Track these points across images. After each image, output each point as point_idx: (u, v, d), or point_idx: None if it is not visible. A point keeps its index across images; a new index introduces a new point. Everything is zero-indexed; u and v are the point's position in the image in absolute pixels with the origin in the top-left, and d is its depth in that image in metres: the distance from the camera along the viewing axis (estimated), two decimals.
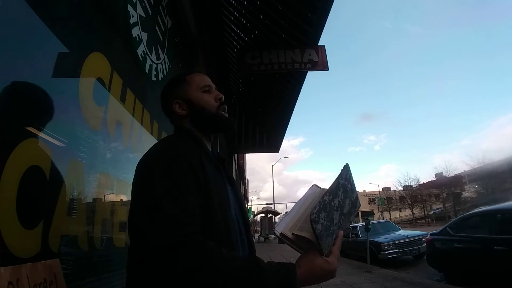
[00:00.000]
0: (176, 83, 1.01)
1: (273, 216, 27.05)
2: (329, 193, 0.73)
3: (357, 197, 0.85)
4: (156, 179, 0.73)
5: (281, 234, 0.73)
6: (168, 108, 1.00)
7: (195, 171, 0.76)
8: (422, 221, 39.12)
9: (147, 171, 0.78)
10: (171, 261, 0.62)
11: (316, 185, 0.85)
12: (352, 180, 0.83)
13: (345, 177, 0.79)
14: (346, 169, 0.81)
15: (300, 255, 0.75)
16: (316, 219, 0.67)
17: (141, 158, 0.84)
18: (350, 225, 12.22)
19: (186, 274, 0.61)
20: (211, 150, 0.98)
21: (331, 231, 0.71)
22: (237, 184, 1.03)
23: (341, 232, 0.76)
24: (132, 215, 0.74)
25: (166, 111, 1.03)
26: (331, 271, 0.71)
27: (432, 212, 39.14)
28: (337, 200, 0.75)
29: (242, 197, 0.99)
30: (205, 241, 0.66)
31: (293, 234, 0.72)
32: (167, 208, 0.67)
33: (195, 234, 0.66)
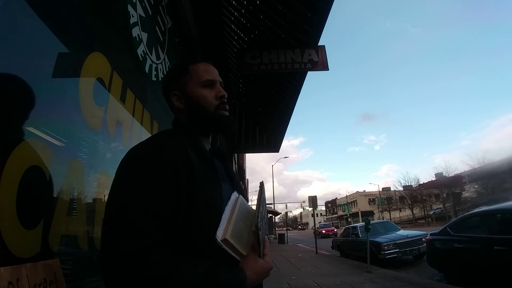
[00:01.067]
0: (177, 73, 0.94)
1: (273, 216, 27.03)
2: (261, 204, 0.82)
3: (266, 211, 0.97)
4: (128, 180, 0.71)
5: (225, 240, 0.73)
6: (167, 98, 0.95)
7: (177, 170, 0.72)
8: (422, 221, 39.09)
9: (123, 169, 0.75)
10: (122, 275, 0.60)
11: (236, 191, 0.91)
12: (264, 199, 0.91)
13: (263, 192, 0.88)
14: (262, 187, 0.89)
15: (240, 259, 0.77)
16: (260, 227, 0.78)
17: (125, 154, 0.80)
18: (350, 225, 12.25)
19: (144, 283, 0.60)
20: (210, 146, 0.94)
21: (261, 236, 0.80)
22: (238, 182, 1.00)
23: (266, 237, 0.86)
24: (104, 215, 0.70)
25: (166, 101, 0.97)
26: (269, 269, 0.81)
27: (432, 212, 39.09)
28: (262, 209, 0.85)
29: (242, 195, 0.96)
30: (162, 253, 0.64)
31: (227, 240, 0.75)
32: (129, 215, 0.64)
33: (154, 246, 0.63)
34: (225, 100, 0.90)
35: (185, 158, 0.75)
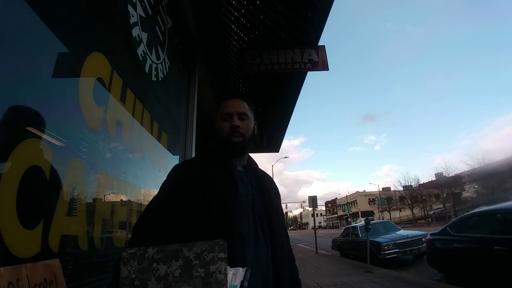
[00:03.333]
0: (217, 107, 1.16)
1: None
2: (158, 250, 0.63)
3: None
4: (162, 185, 1.03)
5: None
6: None
7: (190, 181, 0.97)
8: (422, 221, 39.07)
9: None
10: (132, 238, 0.90)
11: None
12: (216, 268, 0.61)
13: (198, 253, 0.62)
14: (208, 245, 0.63)
15: None
16: (126, 259, 0.62)
17: None
18: (350, 225, 12.25)
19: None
20: (246, 162, 1.13)
21: None
22: (268, 189, 1.12)
23: None
24: None
25: None
26: None
27: (432, 212, 39.06)
28: (165, 269, 0.61)
29: (272, 203, 1.08)
30: (148, 236, 0.85)
31: None
32: (148, 210, 0.96)
33: (150, 228, 0.88)
34: (237, 128, 1.07)
35: (202, 170, 1.00)
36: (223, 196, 0.95)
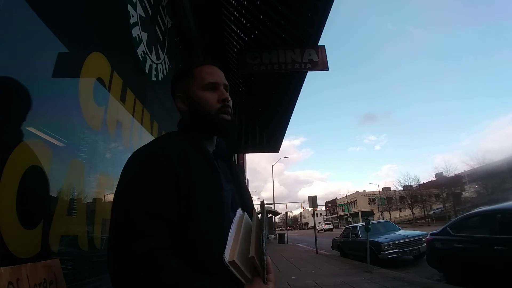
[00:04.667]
0: (182, 75, 0.93)
1: (273, 216, 27.02)
2: (264, 227, 0.79)
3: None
4: (130, 183, 0.73)
5: (232, 262, 0.71)
6: (173, 100, 0.95)
7: (175, 172, 0.73)
8: (422, 221, 39.08)
9: (125, 173, 0.77)
10: (130, 276, 0.62)
11: (239, 210, 0.86)
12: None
13: (266, 214, 0.86)
14: (265, 206, 0.87)
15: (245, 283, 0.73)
16: (266, 252, 0.75)
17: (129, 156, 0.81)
18: (350, 225, 12.25)
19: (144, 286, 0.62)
20: (215, 147, 0.93)
21: (264, 259, 0.75)
22: (243, 183, 0.98)
23: (269, 259, 0.77)
24: (110, 219, 0.72)
25: (174, 102, 0.97)
26: None
27: (432, 212, 39.08)
28: (265, 232, 0.81)
29: (247, 196, 0.95)
30: (164, 259, 0.65)
31: (235, 262, 0.72)
32: (134, 219, 0.66)
33: (160, 249, 0.65)
34: (228, 103, 0.88)
35: (183, 160, 0.76)
36: (209, 193, 0.76)
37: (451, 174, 39.09)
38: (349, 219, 57.31)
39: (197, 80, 0.89)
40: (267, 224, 0.85)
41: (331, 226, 50.15)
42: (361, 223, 9.96)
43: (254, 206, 0.97)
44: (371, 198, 58.86)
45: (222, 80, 0.91)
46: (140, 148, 0.82)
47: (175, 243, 0.69)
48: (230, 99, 0.90)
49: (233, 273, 0.72)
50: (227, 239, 0.75)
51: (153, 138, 2.12)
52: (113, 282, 0.65)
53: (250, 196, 1.02)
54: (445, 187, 38.55)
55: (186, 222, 0.71)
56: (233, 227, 0.78)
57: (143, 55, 1.94)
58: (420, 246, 8.15)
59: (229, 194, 0.84)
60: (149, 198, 0.70)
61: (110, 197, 1.50)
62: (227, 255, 0.71)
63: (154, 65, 2.15)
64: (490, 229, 4.86)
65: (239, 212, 0.84)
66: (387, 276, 6.38)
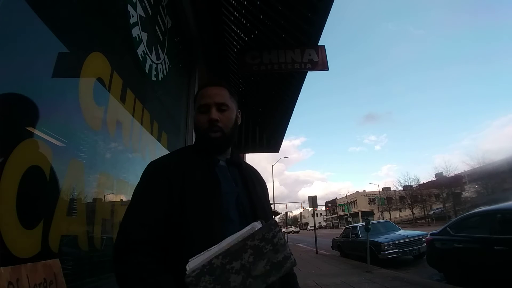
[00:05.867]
0: (194, 97, 1.06)
1: (273, 216, 26.95)
2: (224, 255, 0.68)
3: (285, 257, 0.74)
4: (136, 188, 0.90)
5: (187, 276, 0.66)
6: None
7: (170, 178, 0.87)
8: (422, 221, 39.06)
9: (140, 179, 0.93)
10: (117, 262, 0.77)
11: (257, 222, 0.78)
12: (277, 239, 0.74)
13: (260, 238, 0.72)
14: (266, 228, 0.74)
15: None
16: (194, 282, 0.64)
17: None
18: (350, 225, 12.24)
19: (121, 275, 0.76)
20: (229, 156, 1.03)
21: None
22: (254, 186, 1.02)
23: None
24: None
25: None
26: None
27: (432, 212, 39.05)
28: (239, 263, 0.69)
29: (258, 199, 0.99)
30: (143, 255, 0.77)
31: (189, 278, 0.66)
32: (125, 223, 0.82)
33: (140, 244, 0.78)
34: (216, 123, 0.96)
35: (179, 168, 0.90)
36: (204, 196, 0.86)
37: (451, 174, 39.09)
38: (349, 219, 57.30)
39: (196, 104, 1.02)
40: (255, 252, 0.71)
41: (298, 229, 58.67)
42: (361, 223, 9.96)
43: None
44: (371, 198, 58.85)
45: (213, 100, 0.98)
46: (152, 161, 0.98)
47: (163, 235, 0.81)
48: (218, 118, 0.97)
49: None
50: (217, 237, 0.76)
51: (153, 138, 2.13)
52: (113, 261, 0.79)
53: (264, 198, 1.08)
54: (445, 187, 38.54)
55: (179, 219, 0.82)
56: (222, 255, 0.70)
57: (143, 55, 1.94)
58: (420, 246, 8.14)
59: (232, 197, 0.92)
60: (139, 201, 0.85)
61: (110, 197, 1.50)
62: (189, 265, 0.68)
63: (154, 65, 2.15)
64: (490, 229, 4.86)
65: (253, 225, 0.78)
66: (387, 276, 6.38)
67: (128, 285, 0.74)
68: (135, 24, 1.84)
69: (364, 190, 63.85)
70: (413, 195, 41.79)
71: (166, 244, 0.81)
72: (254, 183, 1.04)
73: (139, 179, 0.91)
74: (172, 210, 0.83)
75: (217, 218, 0.83)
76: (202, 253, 0.71)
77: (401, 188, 45.16)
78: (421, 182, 44.25)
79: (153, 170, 0.91)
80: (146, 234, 0.79)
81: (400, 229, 10.29)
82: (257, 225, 0.76)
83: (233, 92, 1.05)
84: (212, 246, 0.73)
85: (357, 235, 10.05)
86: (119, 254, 0.78)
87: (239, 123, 1.08)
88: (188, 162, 0.93)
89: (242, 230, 0.76)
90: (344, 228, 13.05)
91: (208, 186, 0.88)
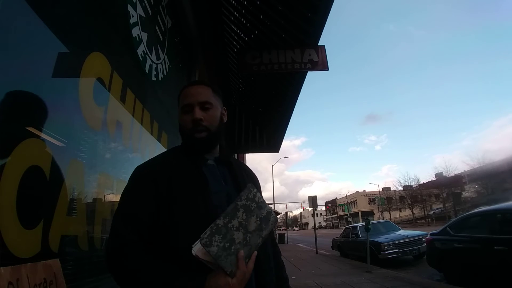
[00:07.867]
0: (178, 98, 1.04)
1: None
2: (223, 216, 0.78)
3: (268, 212, 0.88)
4: (123, 192, 0.91)
5: (196, 255, 0.73)
6: None
7: (155, 180, 0.87)
8: (422, 221, 39.06)
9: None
10: (111, 261, 0.79)
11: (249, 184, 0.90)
12: (258, 198, 0.87)
13: (245, 198, 0.84)
14: (247, 190, 0.86)
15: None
16: (208, 243, 0.72)
17: None
18: (350, 225, 12.24)
19: (117, 272, 0.79)
20: (218, 154, 1.02)
21: (232, 250, 0.75)
22: (245, 184, 0.98)
23: (241, 253, 0.76)
24: None
25: None
26: None
27: (432, 212, 39.05)
28: (237, 220, 0.79)
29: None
30: (131, 251, 0.79)
31: (198, 256, 0.73)
32: (115, 222, 0.85)
33: (126, 245, 0.79)
34: (200, 122, 0.95)
35: (166, 169, 0.90)
36: (191, 196, 0.86)
37: (451, 174, 39.08)
38: (349, 219, 57.28)
39: (180, 103, 1.01)
40: (245, 210, 0.82)
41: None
42: (361, 223, 9.96)
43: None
44: (371, 198, 58.86)
45: (196, 99, 0.97)
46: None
47: (151, 234, 0.82)
48: (202, 117, 0.95)
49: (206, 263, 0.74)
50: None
51: (153, 138, 2.13)
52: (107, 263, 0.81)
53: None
54: (445, 187, 38.52)
55: (167, 221, 0.82)
56: (222, 216, 0.78)
57: (143, 55, 1.94)
58: (420, 246, 8.15)
59: (222, 195, 0.92)
60: (126, 204, 0.87)
61: (110, 197, 1.50)
62: (195, 248, 0.73)
63: (154, 65, 2.15)
64: (490, 229, 4.86)
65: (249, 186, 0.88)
66: (387, 276, 6.39)
67: (132, 278, 0.76)
68: (135, 24, 1.84)
69: (364, 190, 63.88)
70: (413, 195, 41.78)
71: (155, 245, 0.83)
72: (245, 180, 1.02)
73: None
74: (160, 212, 0.83)
75: (205, 218, 0.81)
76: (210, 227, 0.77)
77: (401, 188, 45.14)
78: (421, 182, 44.28)
79: (139, 175, 0.91)
80: (136, 235, 0.81)
81: (400, 229, 10.29)
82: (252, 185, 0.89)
83: (216, 89, 1.04)
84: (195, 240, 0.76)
85: (357, 235, 10.06)
86: (115, 254, 0.79)
87: (225, 120, 1.06)
88: (175, 163, 0.93)
89: (229, 207, 0.83)
90: (344, 228, 13.05)
91: (195, 186, 0.88)
